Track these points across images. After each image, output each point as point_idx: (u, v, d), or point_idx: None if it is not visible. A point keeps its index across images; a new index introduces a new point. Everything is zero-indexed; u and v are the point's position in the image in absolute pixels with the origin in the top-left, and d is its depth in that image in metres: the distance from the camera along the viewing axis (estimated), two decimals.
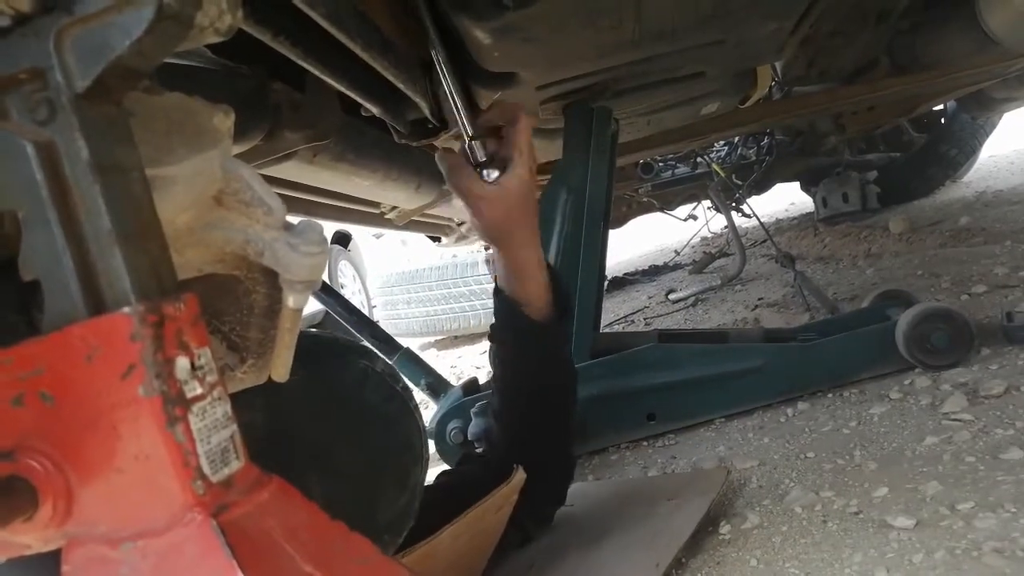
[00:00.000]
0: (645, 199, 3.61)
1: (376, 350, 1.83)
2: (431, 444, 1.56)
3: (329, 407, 0.70)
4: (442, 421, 1.51)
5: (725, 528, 0.99)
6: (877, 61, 2.44)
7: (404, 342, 1.89)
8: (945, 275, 1.99)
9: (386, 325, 3.62)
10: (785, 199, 4.90)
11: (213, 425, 0.42)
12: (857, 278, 2.39)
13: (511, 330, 1.06)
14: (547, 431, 1.09)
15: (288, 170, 1.35)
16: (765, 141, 3.52)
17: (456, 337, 4.02)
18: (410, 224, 2.36)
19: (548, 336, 1.06)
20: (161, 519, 0.39)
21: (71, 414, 0.40)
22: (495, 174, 0.99)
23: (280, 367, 0.57)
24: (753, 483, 1.11)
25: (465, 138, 1.02)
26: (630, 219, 3.94)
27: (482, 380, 1.67)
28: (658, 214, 4.00)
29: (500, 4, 0.98)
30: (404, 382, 0.77)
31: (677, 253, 4.56)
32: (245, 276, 0.54)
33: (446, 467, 1.36)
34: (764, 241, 3.61)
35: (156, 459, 0.39)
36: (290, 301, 0.53)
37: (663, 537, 0.96)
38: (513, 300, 1.03)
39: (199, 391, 0.42)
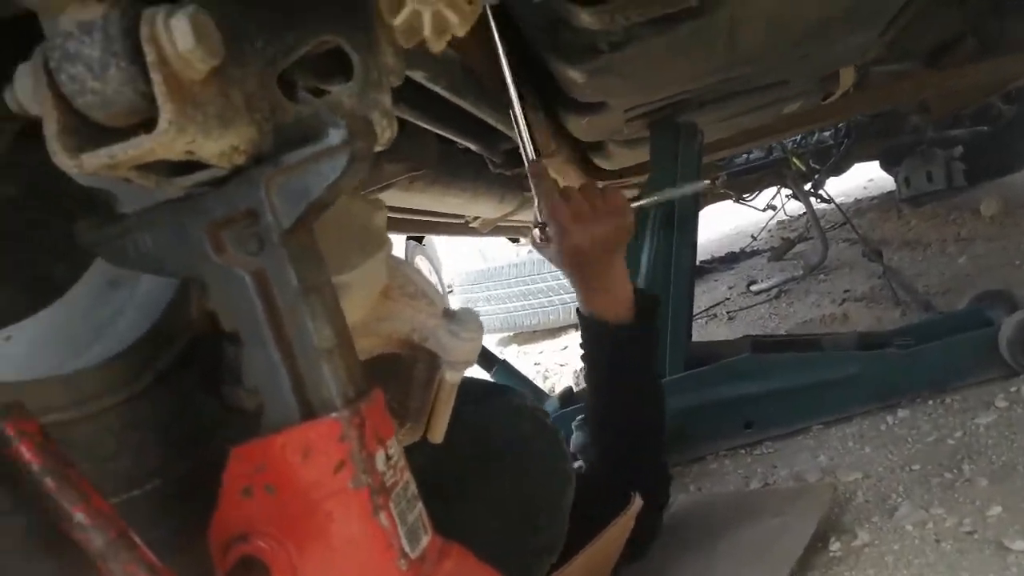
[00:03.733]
0: (722, 191, 3.57)
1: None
2: None
3: (486, 444, 0.78)
4: None
5: (835, 545, 1.01)
6: (962, 38, 2.35)
7: (485, 339, 1.95)
8: None
9: None
10: (863, 176, 4.76)
11: (408, 507, 0.48)
12: (948, 267, 2.33)
13: (597, 346, 1.11)
14: (643, 447, 1.13)
15: (385, 196, 1.42)
16: (843, 123, 3.44)
17: (535, 332, 4.08)
18: (492, 230, 2.42)
19: (637, 347, 1.10)
20: None
21: (291, 503, 0.47)
22: None
23: (437, 431, 0.63)
24: (859, 497, 1.13)
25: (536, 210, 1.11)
26: (704, 207, 3.90)
27: (567, 382, 1.72)
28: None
29: (595, 48, 1.02)
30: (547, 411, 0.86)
31: (754, 238, 4.50)
32: (407, 354, 0.60)
33: None
34: (844, 224, 3.53)
35: (365, 542, 0.46)
36: (449, 376, 0.60)
37: (774, 554, 0.99)
38: (597, 318, 1.09)
39: (394, 478, 0.48)
